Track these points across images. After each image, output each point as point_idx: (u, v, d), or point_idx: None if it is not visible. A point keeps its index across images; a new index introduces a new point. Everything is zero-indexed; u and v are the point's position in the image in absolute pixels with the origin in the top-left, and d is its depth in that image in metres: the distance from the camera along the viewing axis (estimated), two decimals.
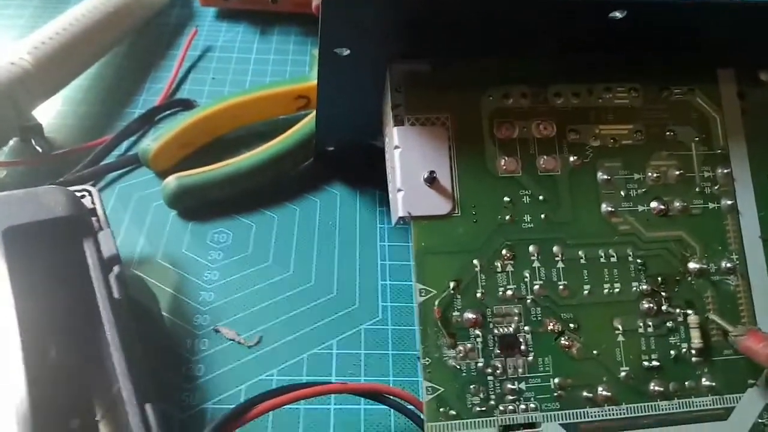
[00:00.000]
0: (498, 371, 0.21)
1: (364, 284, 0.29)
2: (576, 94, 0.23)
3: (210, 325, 0.27)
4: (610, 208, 0.22)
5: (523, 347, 0.21)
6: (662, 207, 0.23)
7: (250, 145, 0.32)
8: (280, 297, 0.28)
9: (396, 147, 0.21)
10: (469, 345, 0.21)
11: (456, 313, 0.21)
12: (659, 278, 0.22)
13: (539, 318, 0.21)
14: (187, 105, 0.36)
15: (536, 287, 0.21)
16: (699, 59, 0.24)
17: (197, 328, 0.27)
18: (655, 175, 0.23)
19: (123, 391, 0.20)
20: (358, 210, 0.32)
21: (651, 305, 0.22)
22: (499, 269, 0.21)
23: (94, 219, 0.24)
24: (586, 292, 0.22)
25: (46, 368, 0.22)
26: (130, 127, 0.34)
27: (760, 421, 0.21)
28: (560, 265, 0.22)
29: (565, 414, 0.21)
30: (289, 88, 0.34)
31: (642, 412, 0.21)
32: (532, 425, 0.21)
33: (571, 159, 0.23)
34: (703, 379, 0.22)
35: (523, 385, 0.21)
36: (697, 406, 0.21)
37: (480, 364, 0.21)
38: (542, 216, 0.22)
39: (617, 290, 0.22)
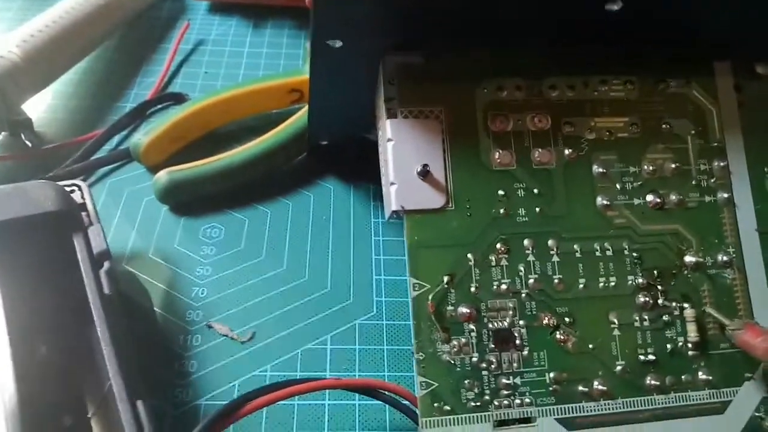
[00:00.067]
0: (493, 366, 0.20)
1: (359, 279, 0.29)
2: (571, 87, 0.23)
3: (203, 321, 0.27)
4: (605, 202, 0.22)
5: (517, 342, 0.21)
6: (658, 200, 0.22)
7: (242, 139, 0.32)
8: (273, 292, 0.28)
9: (389, 140, 0.21)
10: (463, 339, 0.20)
11: (450, 308, 0.21)
12: (655, 272, 0.22)
13: (534, 312, 0.21)
14: (179, 99, 0.36)
15: (531, 281, 0.21)
16: (695, 52, 0.23)
17: (190, 324, 0.27)
18: (651, 168, 0.23)
19: (114, 388, 0.19)
20: (352, 204, 0.32)
21: (647, 299, 0.22)
22: (494, 263, 0.21)
23: (83, 214, 0.23)
24: (581, 285, 0.21)
25: (36, 365, 0.21)
26: (121, 121, 0.34)
27: (756, 414, 0.21)
28: (555, 258, 0.22)
29: (561, 408, 0.21)
30: (282, 81, 0.34)
31: (638, 406, 0.21)
32: (527, 420, 0.20)
33: (567, 152, 0.22)
34: (700, 373, 0.21)
35: (518, 380, 0.21)
36: (693, 400, 0.21)
37: (474, 359, 0.20)
38: (537, 209, 0.22)
39: (613, 284, 0.22)
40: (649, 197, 0.22)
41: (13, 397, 0.19)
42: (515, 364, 0.21)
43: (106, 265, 0.22)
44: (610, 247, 0.22)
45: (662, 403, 0.21)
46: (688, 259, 0.22)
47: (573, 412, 0.21)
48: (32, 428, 0.20)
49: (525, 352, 0.21)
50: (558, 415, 0.20)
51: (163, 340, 0.26)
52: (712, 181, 0.23)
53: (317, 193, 0.32)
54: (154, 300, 0.27)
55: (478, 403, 0.20)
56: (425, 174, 0.21)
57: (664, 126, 0.23)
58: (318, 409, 0.24)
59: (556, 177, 0.22)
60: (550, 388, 0.21)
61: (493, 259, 0.21)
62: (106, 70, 0.38)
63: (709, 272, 0.22)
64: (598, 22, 0.21)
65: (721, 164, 0.23)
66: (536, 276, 0.21)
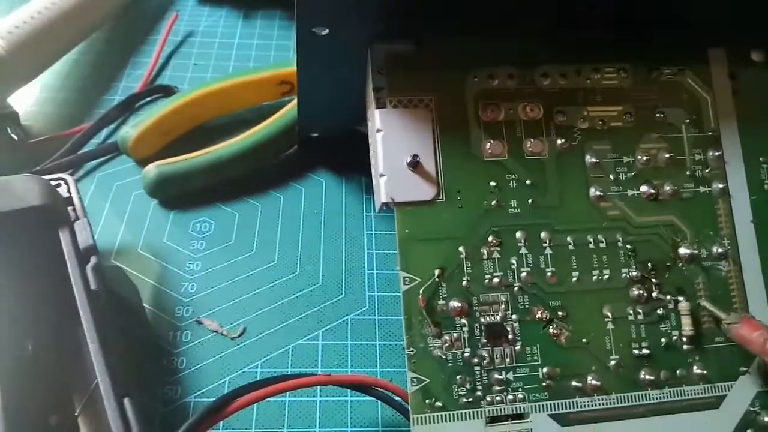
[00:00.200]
0: (485, 361, 0.20)
1: (351, 274, 0.28)
2: (563, 75, 0.22)
3: (192, 317, 0.26)
4: (598, 193, 0.22)
5: (510, 336, 0.20)
6: (652, 191, 0.22)
7: (232, 132, 0.31)
8: (264, 287, 0.27)
9: (378, 130, 0.21)
10: (455, 334, 0.20)
11: (441, 302, 0.20)
12: (649, 264, 0.22)
13: (527, 306, 0.21)
14: (168, 91, 0.36)
15: (523, 274, 0.21)
16: (689, 39, 0.23)
17: (179, 320, 0.26)
18: (644, 158, 0.22)
19: (101, 386, 0.19)
20: (344, 198, 0.31)
21: (641, 292, 0.21)
22: (486, 256, 0.21)
23: (70, 208, 0.23)
24: (574, 279, 0.21)
25: (22, 363, 0.21)
26: (110, 114, 0.34)
27: (751, 409, 0.21)
28: (548, 251, 0.21)
29: (554, 404, 0.20)
30: (273, 73, 0.33)
31: (632, 401, 0.21)
32: (520, 416, 0.20)
33: (559, 142, 0.22)
34: (695, 368, 0.21)
35: (510, 375, 0.20)
36: (688, 394, 0.21)
37: (466, 354, 0.20)
38: (529, 201, 0.21)
39: (606, 277, 0.21)
40: (643, 188, 0.22)
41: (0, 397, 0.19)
42: (508, 359, 0.20)
43: (93, 260, 0.22)
44: (603, 239, 0.22)
45: (657, 398, 0.21)
46: (683, 251, 0.22)
47: (566, 408, 0.20)
48: (17, 427, 0.20)
49: (518, 347, 0.20)
50: (551, 410, 0.20)
51: (152, 336, 0.26)
52: (707, 171, 0.23)
53: (309, 186, 0.32)
54: (142, 296, 0.27)
55: (470, 399, 0.20)
56: (415, 165, 0.21)
57: (658, 115, 0.23)
58: (309, 406, 0.24)
59: (548, 167, 0.22)
60: (543, 384, 0.20)
61: (485, 252, 0.21)
62: (94, 63, 0.38)
63: (704, 264, 0.22)
64: (590, 7, 0.21)
65: (716, 154, 0.23)
66: (529, 269, 0.21)
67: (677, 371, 0.21)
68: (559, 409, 0.20)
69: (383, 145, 0.21)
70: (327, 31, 0.20)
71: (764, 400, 0.21)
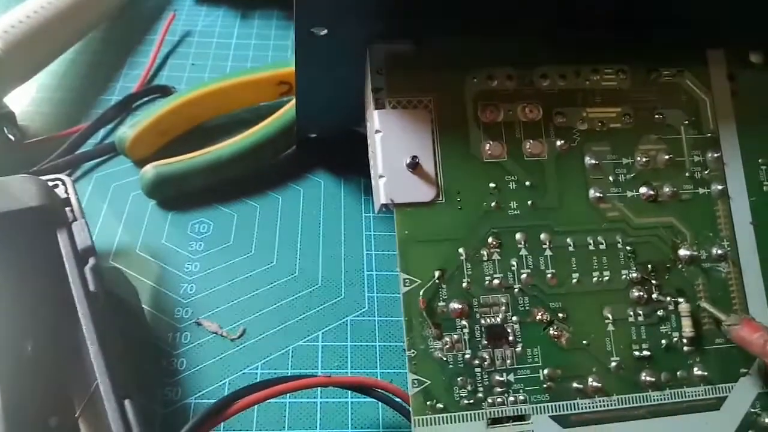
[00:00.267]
0: (486, 363, 0.20)
1: (350, 275, 0.28)
2: (563, 76, 0.22)
3: (192, 318, 0.26)
4: (598, 194, 0.22)
5: (510, 338, 0.20)
6: (651, 192, 0.22)
7: (230, 133, 0.31)
8: (263, 288, 0.27)
9: (377, 131, 0.21)
10: (455, 336, 0.20)
11: (441, 303, 0.20)
12: (649, 266, 0.22)
13: (527, 307, 0.21)
14: (165, 91, 0.35)
15: (524, 276, 0.21)
16: (688, 40, 0.23)
17: (178, 321, 0.26)
18: (644, 159, 0.22)
19: (101, 387, 0.19)
20: (343, 198, 0.31)
21: (641, 293, 0.21)
22: (486, 258, 0.21)
23: (68, 209, 0.23)
24: (574, 280, 0.21)
25: (21, 364, 0.21)
26: (107, 114, 0.33)
27: (752, 410, 0.21)
28: (548, 253, 0.21)
29: (555, 406, 0.20)
30: (271, 73, 0.33)
31: (633, 402, 0.21)
32: (521, 418, 0.20)
33: (558, 143, 0.22)
34: (695, 369, 0.21)
35: (511, 377, 0.20)
36: (688, 396, 0.21)
37: (467, 356, 0.20)
38: (529, 202, 0.21)
39: (606, 278, 0.21)
40: (643, 189, 0.22)
41: None
42: (508, 361, 0.20)
43: (91, 261, 0.22)
44: (603, 241, 0.22)
45: (657, 400, 0.21)
46: (683, 252, 0.22)
47: (567, 409, 0.20)
48: (17, 428, 0.20)
49: (518, 349, 0.20)
50: (552, 412, 0.20)
51: (152, 337, 0.26)
52: (706, 172, 0.23)
53: (307, 187, 0.32)
54: (141, 297, 0.27)
55: (472, 401, 0.20)
56: (414, 166, 0.21)
57: (657, 116, 0.23)
58: (310, 407, 0.24)
59: (548, 169, 0.22)
60: (544, 385, 0.20)
61: (485, 253, 0.21)
62: (90, 62, 0.37)
63: (704, 266, 0.22)
64: (589, 8, 0.21)
65: (715, 155, 0.23)
66: (529, 270, 0.21)
67: (678, 373, 0.21)
68: (560, 411, 0.20)
69: (382, 146, 0.21)
70: (326, 31, 0.20)
71: (765, 401, 0.21)
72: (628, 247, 0.22)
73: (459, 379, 0.20)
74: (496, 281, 0.21)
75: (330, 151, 0.32)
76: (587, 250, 0.21)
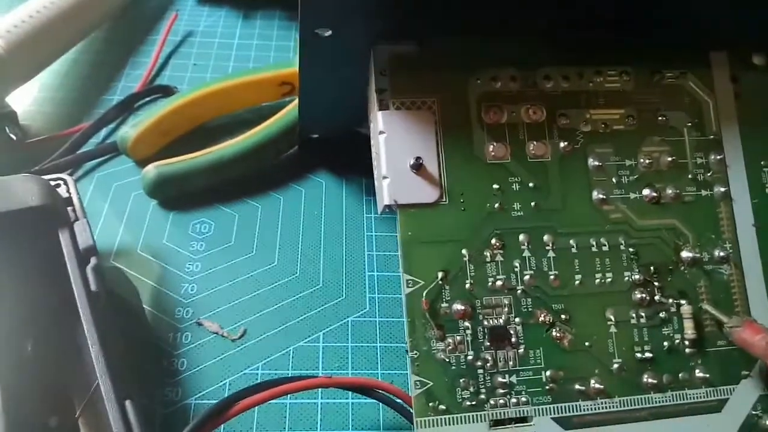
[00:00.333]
0: (488, 364, 0.20)
1: (351, 275, 0.28)
2: (566, 78, 0.22)
3: (192, 318, 0.26)
4: (601, 196, 0.22)
5: (513, 339, 0.20)
6: (654, 194, 0.22)
7: (232, 133, 0.31)
8: (264, 289, 0.27)
9: (381, 132, 0.21)
10: (458, 337, 0.20)
11: (444, 305, 0.20)
12: (652, 267, 0.22)
13: (530, 309, 0.21)
14: (167, 91, 0.35)
15: (526, 277, 0.21)
16: (691, 42, 0.23)
17: (179, 321, 0.26)
18: (647, 161, 0.22)
19: (102, 388, 0.19)
20: (344, 199, 0.31)
21: (643, 295, 0.21)
22: (489, 259, 0.21)
23: (69, 209, 0.23)
24: (577, 282, 0.21)
25: (21, 364, 0.21)
26: (109, 114, 0.33)
27: (753, 413, 0.21)
28: (551, 254, 0.21)
29: (557, 407, 0.20)
30: (273, 74, 0.33)
31: (635, 404, 0.21)
32: (523, 419, 0.20)
33: (562, 145, 0.22)
34: (697, 371, 0.21)
35: (513, 378, 0.20)
36: (690, 398, 0.21)
37: (470, 357, 0.20)
38: (532, 204, 0.21)
39: (609, 280, 0.21)
40: (646, 191, 0.22)
41: None
42: (511, 362, 0.20)
43: (93, 261, 0.22)
44: (606, 243, 0.22)
45: (659, 402, 0.21)
46: (685, 254, 0.22)
47: (570, 411, 0.20)
48: (17, 428, 0.20)
49: (521, 350, 0.20)
50: (555, 414, 0.20)
51: (152, 337, 0.26)
52: (709, 174, 0.23)
53: (309, 187, 0.32)
54: (142, 297, 0.27)
55: (474, 403, 0.20)
56: (418, 167, 0.21)
57: (660, 118, 0.23)
58: (310, 408, 0.24)
59: (551, 170, 0.22)
60: (547, 387, 0.20)
61: (488, 254, 0.21)
62: (93, 62, 0.37)
63: (706, 268, 0.22)
64: (593, 9, 0.21)
65: (718, 157, 0.23)
66: (532, 272, 0.21)
67: (680, 375, 0.21)
68: (562, 413, 0.20)
69: (386, 147, 0.21)
70: (330, 32, 0.20)
71: (766, 403, 0.21)
72: (631, 249, 0.22)
73: (461, 380, 0.20)
74: (499, 282, 0.21)
75: (332, 151, 0.32)
76: (590, 251, 0.21)
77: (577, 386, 0.20)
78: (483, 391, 0.20)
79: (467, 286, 0.20)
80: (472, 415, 0.20)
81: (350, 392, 0.24)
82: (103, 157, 0.32)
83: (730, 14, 0.22)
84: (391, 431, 0.24)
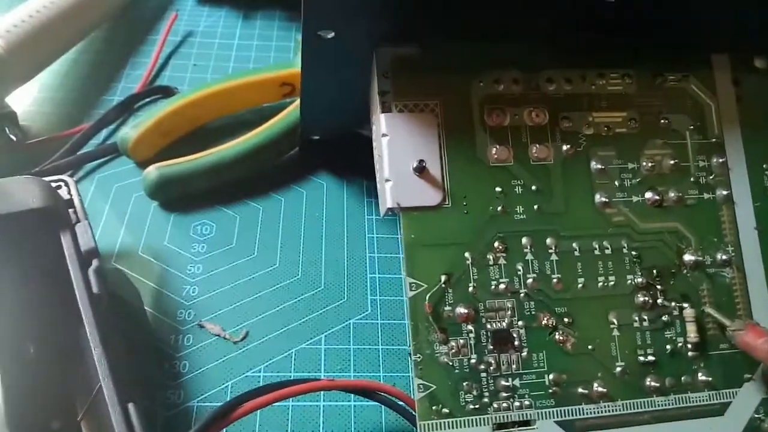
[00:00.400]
0: (491, 367, 0.20)
1: (353, 277, 0.28)
2: (569, 81, 0.22)
3: (194, 321, 0.26)
4: (604, 199, 0.22)
5: (516, 342, 0.20)
6: (657, 197, 0.22)
7: (233, 134, 0.31)
8: (266, 291, 0.27)
9: (383, 135, 0.21)
10: (461, 341, 0.20)
11: (447, 308, 0.20)
12: (654, 271, 0.22)
13: (533, 312, 0.21)
14: (168, 92, 0.35)
15: (529, 281, 0.21)
16: (693, 45, 0.23)
17: (181, 324, 0.26)
18: (649, 164, 0.22)
19: (104, 390, 0.19)
20: (346, 201, 0.31)
21: (646, 299, 0.21)
22: (492, 262, 0.21)
23: (70, 211, 0.23)
24: (580, 285, 0.21)
25: (23, 367, 0.21)
26: (109, 115, 0.33)
27: (756, 416, 0.21)
28: (554, 257, 0.21)
29: (560, 411, 0.20)
30: (274, 74, 0.33)
31: (638, 408, 0.21)
32: (526, 423, 0.20)
33: (564, 148, 0.22)
34: (700, 374, 0.21)
35: (517, 382, 0.20)
36: (693, 401, 0.21)
37: (473, 361, 0.20)
38: (535, 207, 0.21)
39: (612, 283, 0.21)
40: (648, 194, 0.22)
41: (1, 401, 0.19)
42: (514, 366, 0.20)
43: (95, 263, 0.22)
44: (608, 246, 0.22)
45: (662, 405, 0.21)
46: (688, 257, 0.22)
47: (573, 415, 0.20)
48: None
49: (524, 354, 0.20)
50: (558, 417, 0.20)
51: (154, 340, 0.25)
52: (711, 177, 0.23)
53: (310, 189, 0.32)
54: (144, 299, 0.27)
55: (477, 406, 0.20)
56: (421, 170, 0.21)
57: (662, 121, 0.23)
58: (313, 411, 0.24)
59: (554, 173, 0.22)
60: (550, 390, 0.20)
61: (491, 258, 0.21)
62: (93, 62, 0.37)
63: (709, 271, 0.22)
64: (594, 14, 0.21)
65: (720, 161, 0.23)
66: (535, 275, 0.21)
67: (682, 378, 0.21)
68: (565, 416, 0.20)
69: (389, 150, 0.21)
70: (333, 34, 0.20)
71: None
72: (634, 252, 0.22)
73: (465, 383, 0.20)
74: (502, 286, 0.21)
75: (333, 153, 0.32)
76: (593, 254, 0.21)
77: (580, 389, 0.20)
78: (486, 394, 0.20)
79: (470, 289, 0.20)
80: (476, 419, 0.20)
81: (352, 395, 0.24)
82: (103, 158, 0.32)
83: (731, 16, 0.22)
84: None
